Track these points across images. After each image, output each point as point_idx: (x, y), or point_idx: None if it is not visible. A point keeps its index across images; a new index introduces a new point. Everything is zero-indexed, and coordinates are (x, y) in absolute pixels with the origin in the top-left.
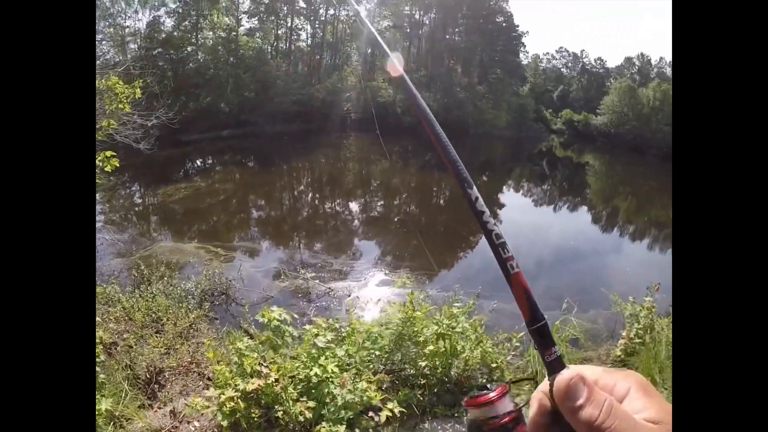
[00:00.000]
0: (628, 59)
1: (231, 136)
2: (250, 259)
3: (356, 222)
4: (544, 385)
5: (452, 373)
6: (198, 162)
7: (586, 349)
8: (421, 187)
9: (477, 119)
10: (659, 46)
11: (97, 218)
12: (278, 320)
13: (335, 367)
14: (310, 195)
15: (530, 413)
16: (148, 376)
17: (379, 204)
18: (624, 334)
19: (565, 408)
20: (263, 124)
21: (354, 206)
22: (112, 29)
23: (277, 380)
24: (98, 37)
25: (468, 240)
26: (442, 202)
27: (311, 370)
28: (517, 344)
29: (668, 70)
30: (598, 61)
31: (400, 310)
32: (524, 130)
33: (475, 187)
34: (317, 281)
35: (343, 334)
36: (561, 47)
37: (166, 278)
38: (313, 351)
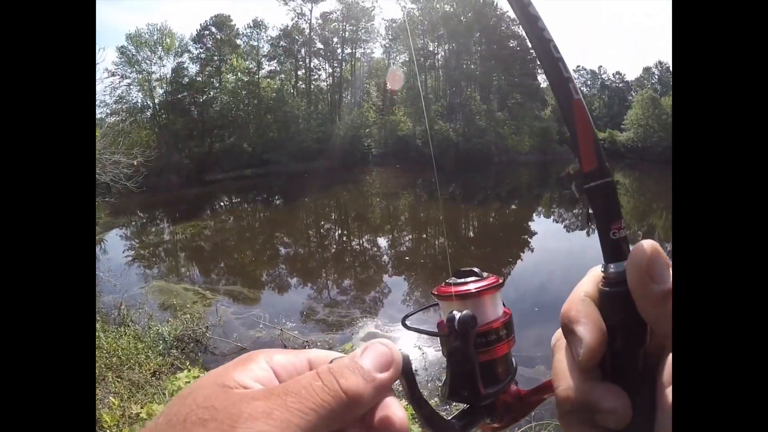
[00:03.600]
0: (647, 69)
1: (254, 175)
2: (234, 304)
3: (366, 262)
4: (589, 282)
5: None
6: (224, 200)
7: None
8: (447, 219)
9: (500, 146)
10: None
11: (123, 254)
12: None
13: None
14: (317, 234)
15: (574, 332)
16: None
17: (405, 240)
18: None
19: (651, 295)
20: (285, 163)
21: (370, 244)
22: (139, 75)
23: None
24: (126, 82)
25: (498, 272)
26: (471, 234)
27: None
28: None
29: None
30: (617, 76)
31: None
32: (549, 153)
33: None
34: (295, 332)
35: None
36: (578, 66)
37: (146, 320)
38: None
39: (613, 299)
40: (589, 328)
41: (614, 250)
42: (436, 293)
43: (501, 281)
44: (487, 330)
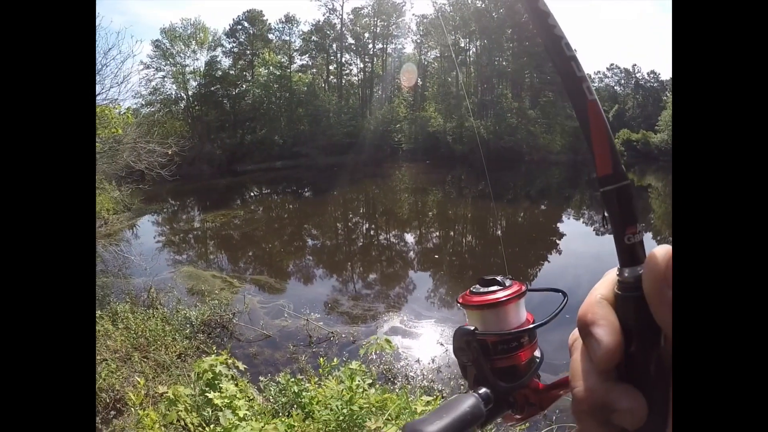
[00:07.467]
0: None
1: (284, 167)
2: (260, 293)
3: (392, 257)
4: (605, 285)
5: None
6: (254, 191)
7: None
8: (476, 218)
9: (531, 145)
10: None
11: (154, 239)
12: (213, 372)
13: None
14: (345, 228)
15: (591, 334)
16: (108, 400)
17: (432, 236)
18: None
19: (666, 301)
20: (316, 156)
21: (397, 239)
22: (173, 68)
23: None
24: (160, 74)
25: (525, 273)
26: (499, 233)
27: None
28: None
29: None
30: (652, 75)
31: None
32: (581, 154)
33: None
34: (321, 323)
35: (302, 400)
36: (612, 64)
37: (174, 303)
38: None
39: (628, 303)
40: (606, 330)
41: (629, 255)
42: (461, 302)
43: (523, 289)
44: (507, 338)
